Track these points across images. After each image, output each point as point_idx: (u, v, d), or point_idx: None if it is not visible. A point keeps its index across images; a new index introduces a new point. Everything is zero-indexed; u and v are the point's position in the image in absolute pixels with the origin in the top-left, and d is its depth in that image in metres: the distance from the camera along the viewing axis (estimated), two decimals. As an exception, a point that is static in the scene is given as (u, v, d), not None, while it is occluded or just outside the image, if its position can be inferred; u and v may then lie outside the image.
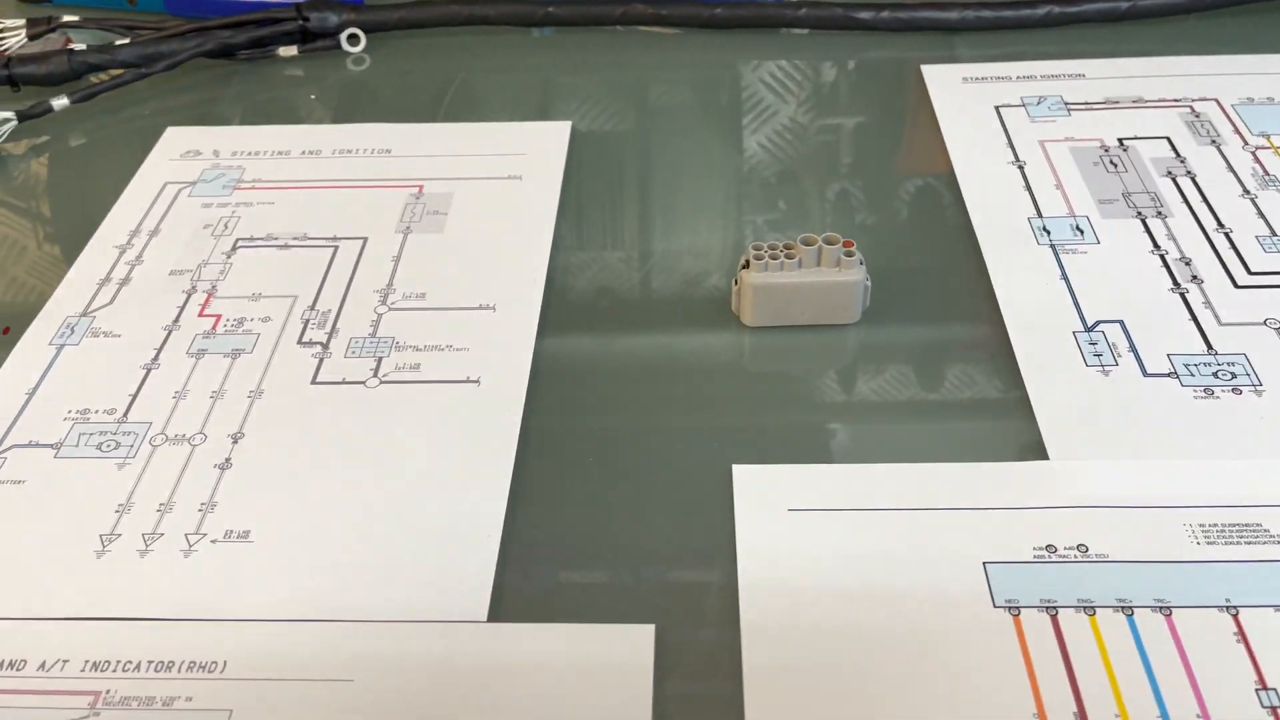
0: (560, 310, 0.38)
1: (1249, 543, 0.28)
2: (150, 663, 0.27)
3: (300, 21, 0.51)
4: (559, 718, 0.25)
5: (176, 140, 0.46)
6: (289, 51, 0.52)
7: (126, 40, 0.51)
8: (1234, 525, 0.29)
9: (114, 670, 0.27)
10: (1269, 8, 0.51)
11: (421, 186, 0.43)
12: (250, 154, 0.45)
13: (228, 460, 0.32)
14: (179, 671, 0.27)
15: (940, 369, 0.35)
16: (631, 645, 0.27)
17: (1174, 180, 0.41)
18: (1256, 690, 0.25)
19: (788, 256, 0.35)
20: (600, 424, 0.34)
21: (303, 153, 0.45)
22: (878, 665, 0.26)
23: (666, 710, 0.26)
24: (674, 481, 0.32)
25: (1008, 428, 0.33)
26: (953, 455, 0.32)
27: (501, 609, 0.28)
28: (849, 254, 0.35)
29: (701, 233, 0.42)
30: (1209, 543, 0.28)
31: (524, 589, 0.29)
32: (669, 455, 0.33)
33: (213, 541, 0.30)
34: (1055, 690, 0.25)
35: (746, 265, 0.35)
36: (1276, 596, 0.27)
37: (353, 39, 0.52)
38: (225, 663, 0.27)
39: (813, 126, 0.47)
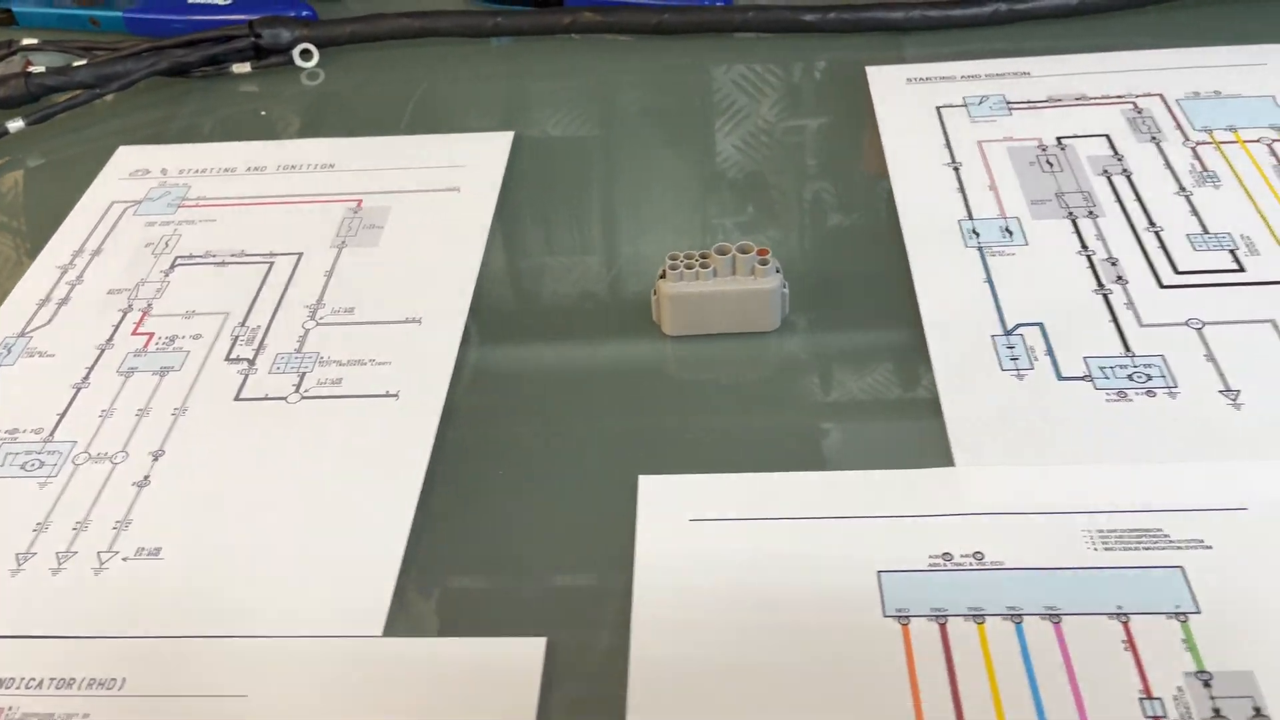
0: (487, 321, 0.38)
1: (1147, 548, 0.28)
2: (52, 680, 0.27)
3: (253, 38, 0.52)
4: (447, 730, 0.26)
5: (127, 159, 0.47)
6: (243, 68, 0.52)
7: (84, 61, 0.52)
8: (1134, 531, 0.28)
9: (17, 687, 0.27)
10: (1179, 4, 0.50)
11: (361, 201, 0.43)
12: (197, 171, 0.46)
13: (146, 478, 0.32)
14: (79, 689, 0.27)
15: (858, 375, 0.35)
16: (521, 658, 0.27)
17: (1109, 179, 0.40)
18: (1140, 699, 0.25)
19: (702, 266, 0.35)
20: (516, 436, 0.34)
21: (248, 169, 0.46)
22: (763, 674, 0.26)
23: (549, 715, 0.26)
24: (582, 493, 0.32)
25: (919, 434, 0.32)
26: (863, 463, 0.32)
27: (400, 623, 0.29)
28: (763, 262, 0.35)
29: (635, 241, 0.42)
30: (1106, 549, 0.28)
31: (424, 602, 0.29)
32: (580, 466, 0.33)
33: (124, 559, 0.30)
34: (936, 699, 0.25)
35: (664, 275, 0.35)
36: (1170, 604, 0.27)
37: (305, 54, 0.52)
38: (124, 680, 0.27)
39: (755, 132, 0.47)
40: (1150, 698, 0.25)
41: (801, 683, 0.26)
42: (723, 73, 0.50)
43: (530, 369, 0.37)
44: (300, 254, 0.41)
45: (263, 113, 0.50)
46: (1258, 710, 0.24)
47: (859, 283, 0.38)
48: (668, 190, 0.44)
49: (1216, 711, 0.25)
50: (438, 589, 0.30)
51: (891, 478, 0.30)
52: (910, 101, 0.46)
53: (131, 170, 0.46)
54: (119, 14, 0.56)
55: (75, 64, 0.52)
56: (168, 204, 0.44)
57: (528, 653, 0.27)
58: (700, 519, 0.30)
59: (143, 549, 0.30)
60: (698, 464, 0.32)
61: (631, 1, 0.53)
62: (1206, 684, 0.25)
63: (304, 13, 0.54)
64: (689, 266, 0.35)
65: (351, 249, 0.41)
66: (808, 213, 0.42)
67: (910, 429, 0.33)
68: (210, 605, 0.29)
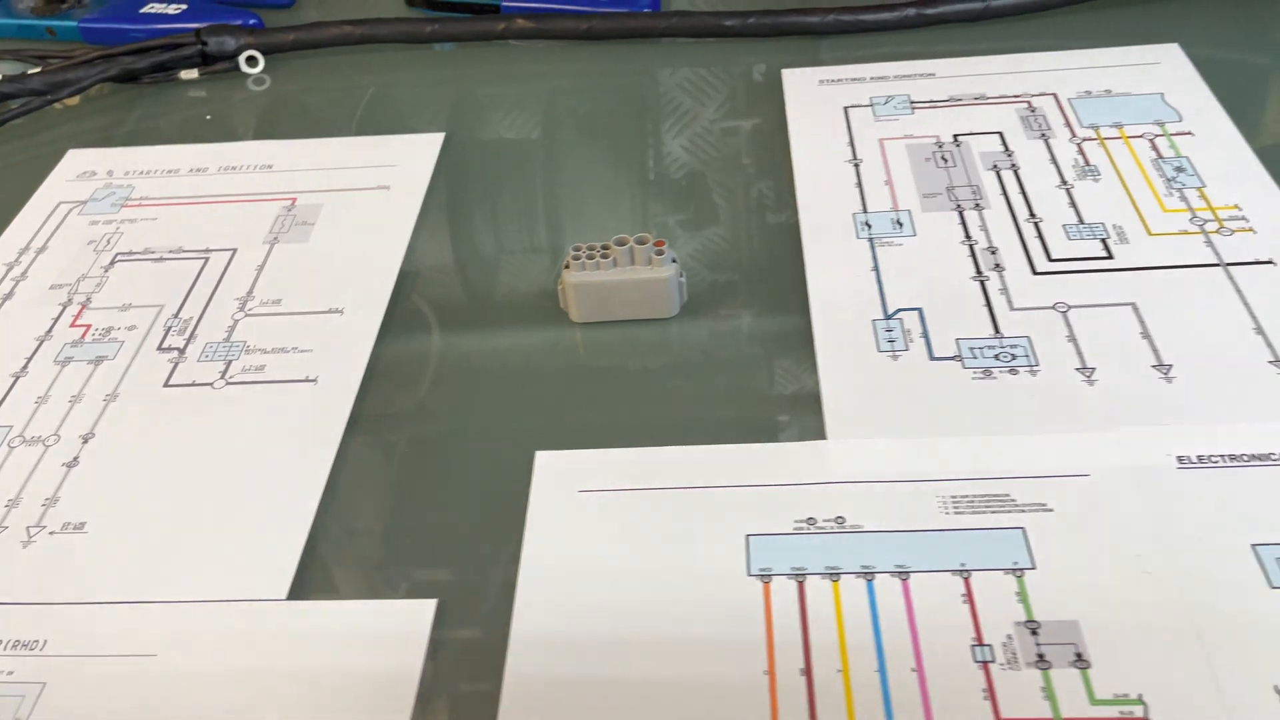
0: (407, 311, 0.40)
1: (995, 512, 0.30)
2: (-22, 642, 0.30)
3: (200, 46, 0.54)
4: (339, 685, 0.28)
5: (75, 162, 0.49)
6: (190, 75, 0.55)
7: (38, 69, 0.54)
8: (983, 496, 0.31)
9: (-54, 649, 0.30)
10: (1120, 0, 0.52)
11: (295, 199, 0.45)
12: (141, 173, 0.48)
13: (75, 459, 0.35)
14: (4, 650, 0.29)
15: (747, 358, 0.37)
16: (412, 619, 0.29)
17: (998, 174, 0.43)
18: (972, 646, 0.27)
19: (603, 256, 0.37)
20: (427, 416, 0.36)
21: (190, 170, 0.48)
22: (632, 628, 0.28)
23: (438, 675, 0.28)
24: (485, 468, 0.34)
25: (799, 410, 0.35)
26: (746, 437, 0.34)
27: (305, 588, 0.31)
28: (659, 252, 0.37)
29: (554, 236, 0.44)
30: (958, 513, 0.30)
31: (329, 569, 0.32)
32: (485, 444, 0.35)
33: (50, 533, 0.32)
34: (788, 648, 0.28)
35: (569, 266, 0.38)
36: (1008, 561, 0.29)
37: (251, 61, 0.55)
38: (45, 641, 0.29)
39: (677, 133, 0.49)
40: (981, 644, 0.27)
41: (668, 633, 0.28)
42: (649, 77, 0.53)
43: (445, 355, 0.39)
44: (234, 250, 0.43)
45: (208, 117, 0.52)
46: (1079, 655, 0.27)
47: (758, 273, 0.41)
48: (587, 187, 0.46)
49: (1040, 656, 0.27)
50: (342, 556, 0.32)
51: (765, 450, 0.33)
52: (820, 102, 0.48)
53: (79, 172, 0.48)
54: (74, 23, 0.58)
55: (30, 71, 0.54)
56: (111, 204, 0.46)
57: (418, 614, 0.29)
58: (588, 490, 0.32)
59: (69, 524, 0.33)
60: (596, 440, 0.34)
61: (563, 9, 0.55)
62: (1034, 632, 0.27)
63: (250, 21, 0.56)
64: (590, 257, 0.37)
65: (283, 245, 0.43)
66: (719, 208, 0.44)
67: (791, 406, 0.35)
68: (127, 574, 0.31)
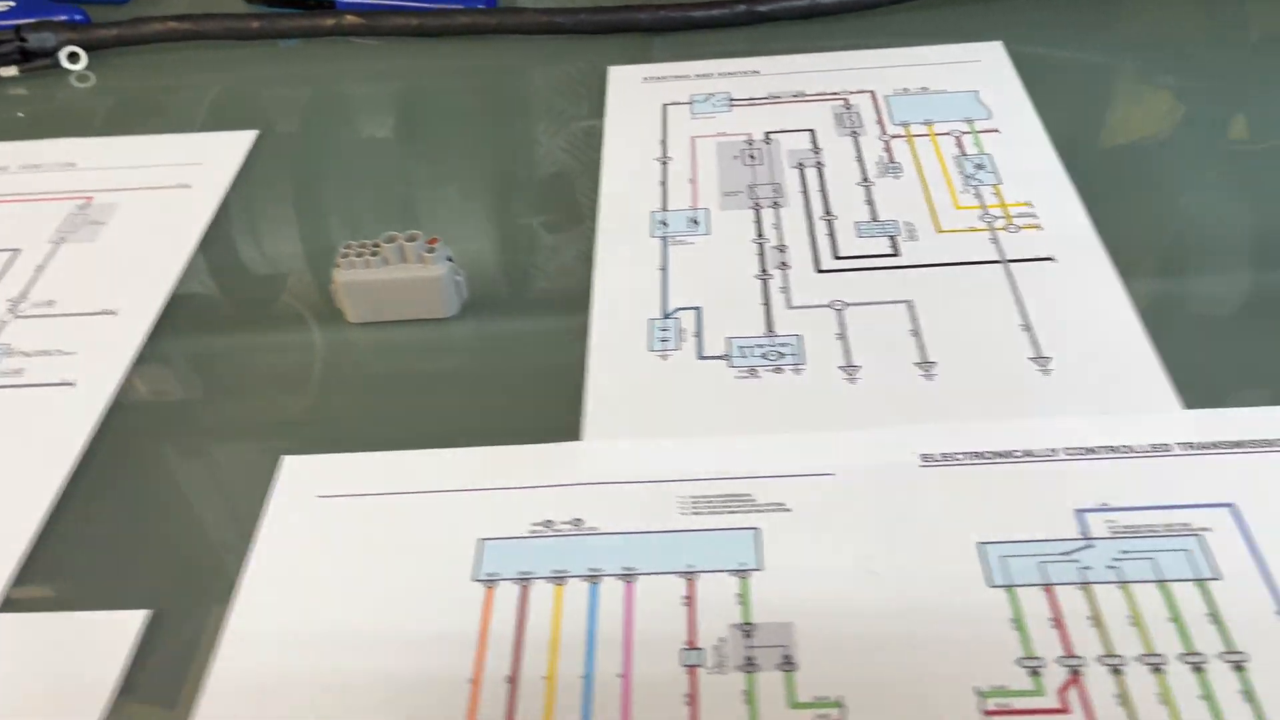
0: (185, 312, 0.39)
1: (733, 512, 0.30)
2: None
3: (19, 42, 0.53)
4: (31, 698, 0.27)
5: (-125, 161, 0.48)
6: (9, 71, 0.53)
7: None
8: (724, 496, 0.30)
9: None
10: (925, 3, 0.52)
11: (92, 198, 0.44)
12: (-60, 172, 0.46)
13: None
14: None
15: (521, 359, 0.36)
16: (117, 631, 0.28)
17: (803, 171, 0.42)
18: (682, 649, 0.27)
19: (373, 254, 0.36)
20: (185, 421, 0.35)
21: (-9, 169, 0.47)
22: (347, 638, 0.27)
23: (141, 685, 0.27)
24: (234, 474, 0.33)
25: (564, 411, 0.34)
26: (508, 439, 0.33)
27: (21, 599, 0.29)
28: (430, 250, 0.36)
29: (353, 236, 0.42)
30: (696, 513, 0.30)
31: (50, 579, 0.30)
32: (237, 450, 0.34)
33: None
34: (499, 655, 0.27)
35: (338, 265, 0.37)
36: (735, 562, 0.28)
37: (73, 57, 0.53)
38: None
39: (498, 130, 0.48)
40: (692, 648, 0.27)
41: (385, 642, 0.27)
42: (480, 74, 0.52)
43: (216, 357, 0.38)
44: (18, 250, 0.41)
45: (20, 114, 0.51)
46: (787, 658, 0.26)
47: (551, 273, 0.40)
48: (396, 186, 0.45)
49: (749, 659, 0.26)
50: (68, 566, 0.31)
51: (511, 453, 0.32)
52: (641, 99, 0.47)
53: (-124, 171, 0.47)
54: (-101, 20, 0.57)
55: None
56: (-97, 203, 0.45)
57: (124, 625, 0.28)
58: (328, 496, 0.31)
59: None
60: (356, 445, 0.33)
61: (394, 5, 0.54)
62: (748, 634, 0.27)
63: (75, 16, 0.55)
64: (359, 255, 0.36)
65: (70, 244, 0.42)
66: (523, 207, 0.44)
67: (556, 407, 0.34)
68: None
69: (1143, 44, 0.50)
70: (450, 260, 0.37)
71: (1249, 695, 0.24)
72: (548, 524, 0.30)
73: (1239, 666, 0.25)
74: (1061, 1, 0.52)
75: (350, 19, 0.53)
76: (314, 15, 0.53)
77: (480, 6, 0.54)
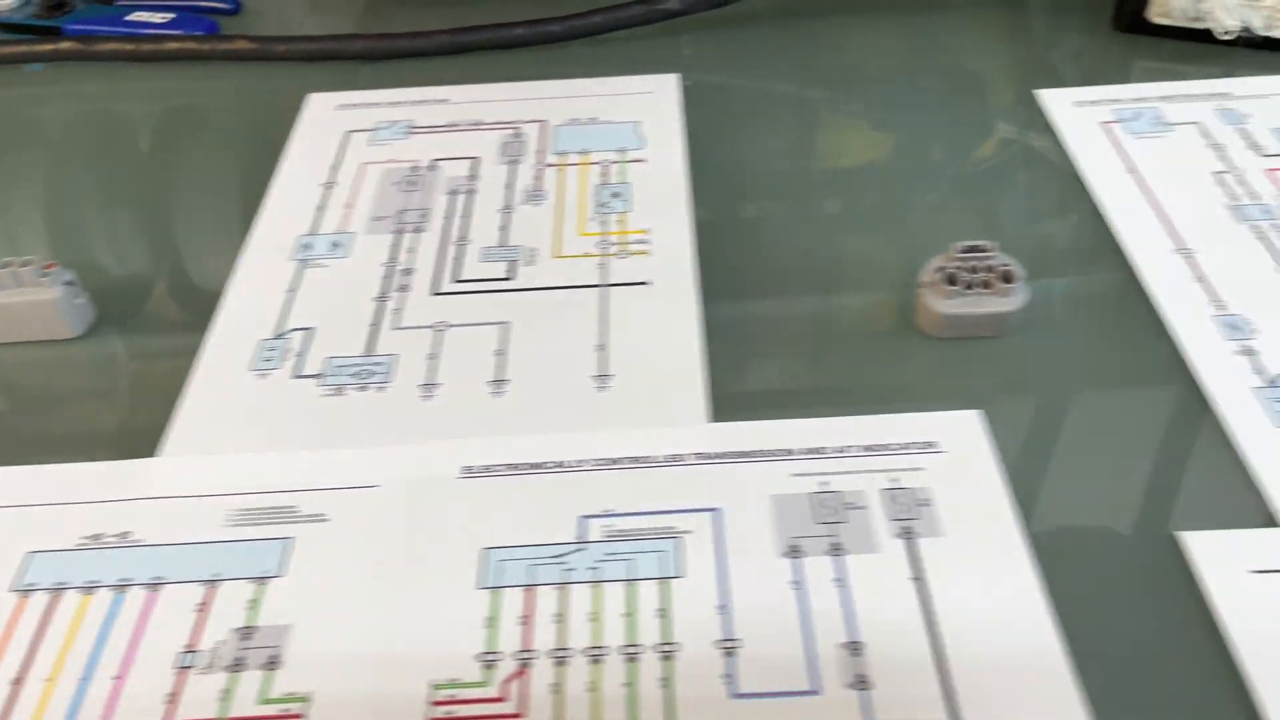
0: None
1: (275, 523, 0.32)
2: None
3: None
4: None
5: None
6: None
7: None
8: (271, 509, 0.32)
9: None
10: (640, 33, 0.55)
11: None
12: None
13: None
14: None
15: (143, 377, 0.38)
16: None
17: (455, 198, 0.45)
18: (179, 652, 0.28)
19: (-9, 278, 0.38)
20: None
21: None
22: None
23: None
24: None
25: (158, 430, 0.35)
26: (89, 456, 0.34)
27: None
28: (46, 274, 0.38)
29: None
30: (240, 525, 0.32)
31: None
32: None
33: None
34: (11, 661, 0.28)
35: (-36, 288, 0.38)
36: (258, 570, 0.30)
37: None
38: None
39: (174, 157, 0.50)
40: (191, 651, 0.29)
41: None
42: (197, 100, 0.53)
43: None
44: None
45: None
46: (272, 659, 0.28)
47: (187, 294, 0.42)
48: (35, 210, 0.47)
49: (238, 660, 0.28)
50: None
51: (68, 470, 0.33)
52: (329, 126, 0.49)
53: None
54: None
55: None
56: None
57: None
58: (-53, 510, 0.33)
59: None
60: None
61: (128, 31, 0.55)
62: (246, 637, 0.29)
63: None
64: (-22, 280, 0.38)
65: None
66: (175, 229, 0.45)
67: (150, 424, 0.36)
68: None
69: (831, 78, 0.53)
70: (70, 284, 0.38)
71: (666, 682, 0.27)
72: (95, 537, 0.32)
73: (668, 656, 0.28)
74: (755, 35, 0.55)
75: (66, 44, 0.55)
76: (30, 42, 0.55)
77: (198, 33, 0.55)
